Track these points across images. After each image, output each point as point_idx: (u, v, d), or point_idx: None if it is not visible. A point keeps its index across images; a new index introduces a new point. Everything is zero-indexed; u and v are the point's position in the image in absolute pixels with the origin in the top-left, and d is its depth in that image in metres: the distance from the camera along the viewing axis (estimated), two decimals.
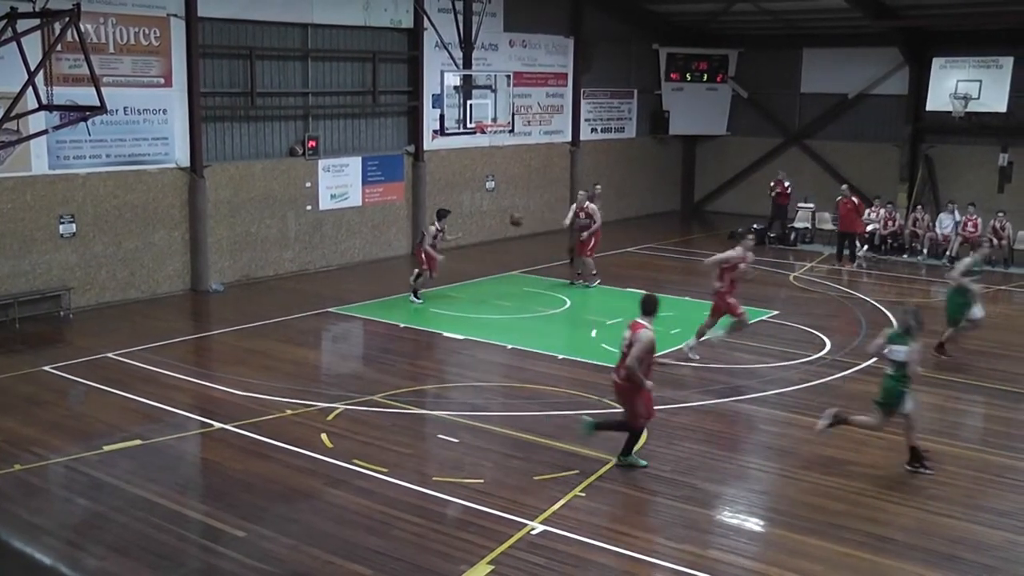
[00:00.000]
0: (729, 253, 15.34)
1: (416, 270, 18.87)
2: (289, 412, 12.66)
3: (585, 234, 20.03)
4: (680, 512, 10.06)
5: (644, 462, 11.00)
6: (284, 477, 10.69)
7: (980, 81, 24.81)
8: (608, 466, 11.00)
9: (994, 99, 24.64)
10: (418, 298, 18.65)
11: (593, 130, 28.69)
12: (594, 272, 20.40)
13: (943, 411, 13.50)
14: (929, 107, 25.87)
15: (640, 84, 30.05)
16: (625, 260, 23.58)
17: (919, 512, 10.15)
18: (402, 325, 17.17)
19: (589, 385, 13.87)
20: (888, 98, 28.10)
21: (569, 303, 18.89)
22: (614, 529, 9.59)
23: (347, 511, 9.90)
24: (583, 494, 10.31)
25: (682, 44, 30.23)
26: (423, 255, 18.70)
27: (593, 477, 10.71)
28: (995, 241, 23.19)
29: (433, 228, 18.98)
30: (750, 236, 15.80)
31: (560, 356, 15.38)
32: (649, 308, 10.77)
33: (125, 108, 18.21)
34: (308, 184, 21.41)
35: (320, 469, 10.90)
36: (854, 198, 23.80)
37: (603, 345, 15.55)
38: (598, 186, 22.98)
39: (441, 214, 19.19)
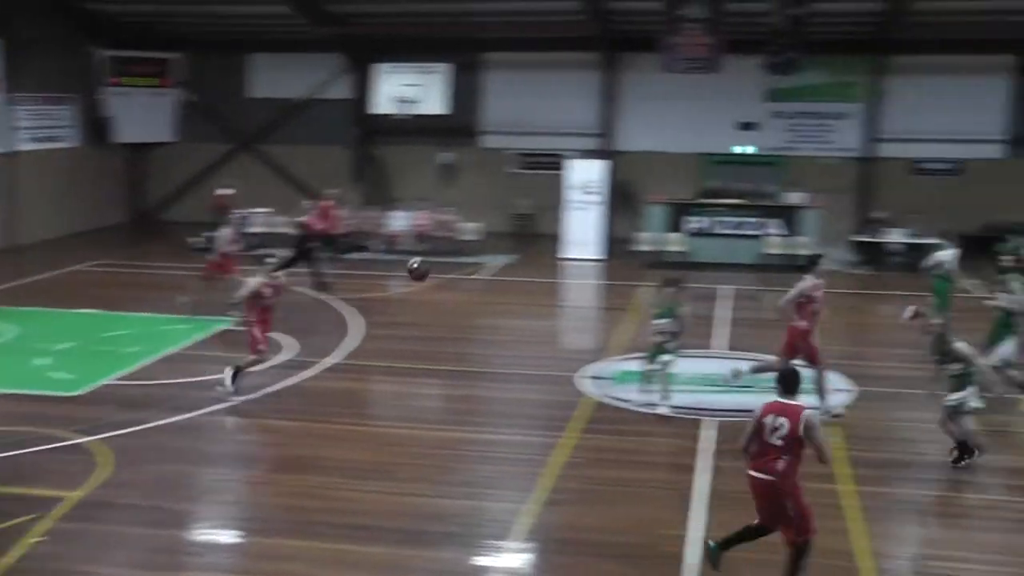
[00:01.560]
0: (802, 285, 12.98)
1: None
2: None
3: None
4: (152, 539, 9.50)
5: None
6: None
7: (420, 85, 26.47)
8: (67, 505, 10.07)
9: (433, 102, 26.43)
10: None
11: (33, 139, 26.39)
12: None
13: (405, 397, 14.19)
14: (374, 110, 27.10)
15: (81, 88, 28.11)
16: (74, 279, 21.95)
17: (391, 496, 10.48)
18: None
19: (39, 418, 12.55)
20: (336, 102, 28.95)
21: (18, 332, 17.03)
22: (84, 571, 8.84)
23: None
24: (45, 538, 9.36)
25: (125, 46, 28.76)
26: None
27: (50, 520, 9.71)
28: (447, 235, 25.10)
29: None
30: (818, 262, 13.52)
31: (2, 391, 13.84)
32: (793, 386, 8.79)
33: None
34: None
35: None
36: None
37: (50, 374, 14.28)
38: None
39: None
